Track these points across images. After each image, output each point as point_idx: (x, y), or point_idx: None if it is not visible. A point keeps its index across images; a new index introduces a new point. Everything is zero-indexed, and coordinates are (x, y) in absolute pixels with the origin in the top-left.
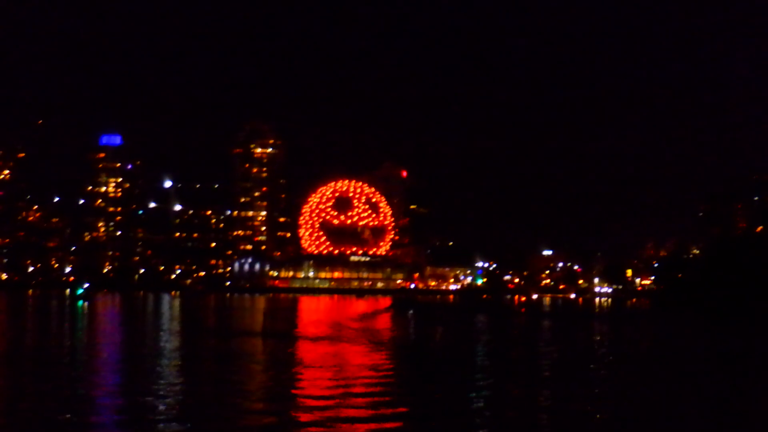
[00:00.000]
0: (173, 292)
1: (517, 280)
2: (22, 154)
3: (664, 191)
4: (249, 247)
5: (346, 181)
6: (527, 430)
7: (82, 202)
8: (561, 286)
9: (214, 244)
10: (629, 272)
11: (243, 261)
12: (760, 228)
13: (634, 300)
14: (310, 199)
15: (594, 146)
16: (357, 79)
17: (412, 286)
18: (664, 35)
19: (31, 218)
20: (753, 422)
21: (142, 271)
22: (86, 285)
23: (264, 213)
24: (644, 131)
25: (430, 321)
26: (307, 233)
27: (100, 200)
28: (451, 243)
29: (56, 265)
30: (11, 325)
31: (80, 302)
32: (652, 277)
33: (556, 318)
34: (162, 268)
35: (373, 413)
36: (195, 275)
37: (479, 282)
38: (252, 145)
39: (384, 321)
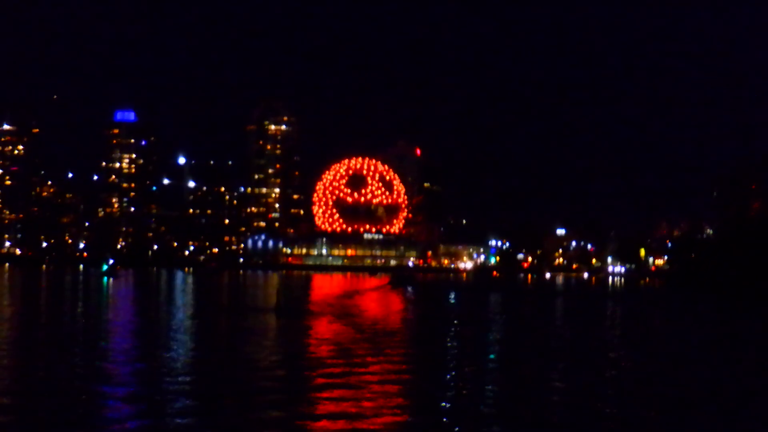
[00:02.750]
0: (186, 269)
1: (530, 259)
2: (37, 130)
3: (678, 171)
4: (262, 224)
5: (360, 159)
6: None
7: (96, 178)
8: (574, 266)
9: (227, 221)
10: (642, 252)
11: (256, 238)
12: None
13: (647, 280)
14: (323, 177)
15: (609, 125)
16: (371, 56)
17: (410, 263)
18: (679, 13)
19: (45, 194)
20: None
21: (155, 247)
22: (111, 261)
23: (277, 190)
24: (660, 110)
25: (424, 299)
26: (321, 210)
27: (114, 176)
28: (464, 221)
29: (70, 241)
30: (49, 302)
31: (105, 278)
32: (666, 257)
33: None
34: (175, 244)
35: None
36: (208, 252)
37: (492, 261)
38: (266, 122)
39: (373, 298)
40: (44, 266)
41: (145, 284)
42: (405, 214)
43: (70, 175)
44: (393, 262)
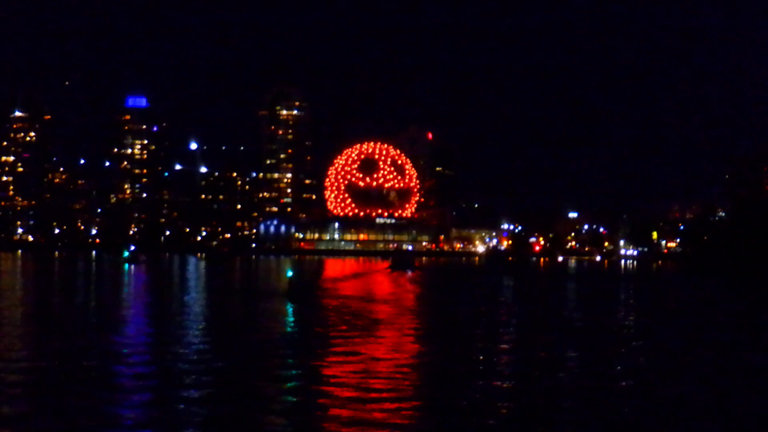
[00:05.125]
0: (199, 255)
1: (543, 243)
2: (48, 116)
3: (691, 153)
4: (275, 209)
5: (372, 143)
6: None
7: (108, 164)
8: (587, 249)
9: (239, 206)
10: (655, 235)
11: (269, 223)
12: None
13: (660, 262)
14: (335, 161)
15: (621, 108)
16: (383, 40)
17: (410, 247)
18: None
19: (57, 180)
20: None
21: (167, 233)
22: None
23: (290, 175)
24: (672, 93)
25: (420, 280)
26: (333, 195)
27: (126, 162)
28: (476, 205)
29: (82, 227)
30: (80, 289)
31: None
32: (678, 240)
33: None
34: (188, 230)
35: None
36: (221, 237)
37: (505, 244)
38: (278, 107)
39: (370, 281)
40: (57, 253)
41: (167, 272)
42: (417, 198)
43: (82, 161)
44: (405, 247)
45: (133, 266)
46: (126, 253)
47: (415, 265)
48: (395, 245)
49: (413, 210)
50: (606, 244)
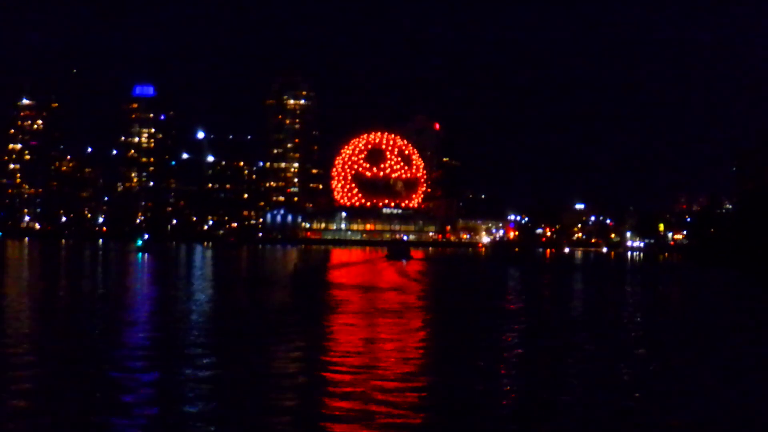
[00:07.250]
0: (206, 243)
1: (549, 234)
2: (56, 104)
3: (698, 145)
4: (281, 198)
5: (379, 134)
6: None
7: (115, 152)
8: (593, 240)
9: (246, 196)
10: (661, 227)
11: (275, 212)
12: None
13: (666, 254)
14: (342, 151)
15: (628, 100)
16: (390, 30)
17: (405, 237)
18: None
19: (64, 168)
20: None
21: (174, 222)
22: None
23: (296, 164)
24: (678, 85)
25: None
26: (340, 185)
27: (133, 151)
28: (483, 196)
29: (89, 216)
30: (104, 278)
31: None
32: (685, 232)
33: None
34: (194, 219)
35: None
36: (227, 226)
37: (511, 235)
38: (285, 97)
39: (367, 269)
40: (63, 241)
41: (180, 261)
42: (424, 188)
43: (89, 149)
44: (412, 237)
45: (146, 255)
46: (139, 242)
47: (410, 255)
48: (401, 235)
49: (420, 200)
50: (612, 235)
